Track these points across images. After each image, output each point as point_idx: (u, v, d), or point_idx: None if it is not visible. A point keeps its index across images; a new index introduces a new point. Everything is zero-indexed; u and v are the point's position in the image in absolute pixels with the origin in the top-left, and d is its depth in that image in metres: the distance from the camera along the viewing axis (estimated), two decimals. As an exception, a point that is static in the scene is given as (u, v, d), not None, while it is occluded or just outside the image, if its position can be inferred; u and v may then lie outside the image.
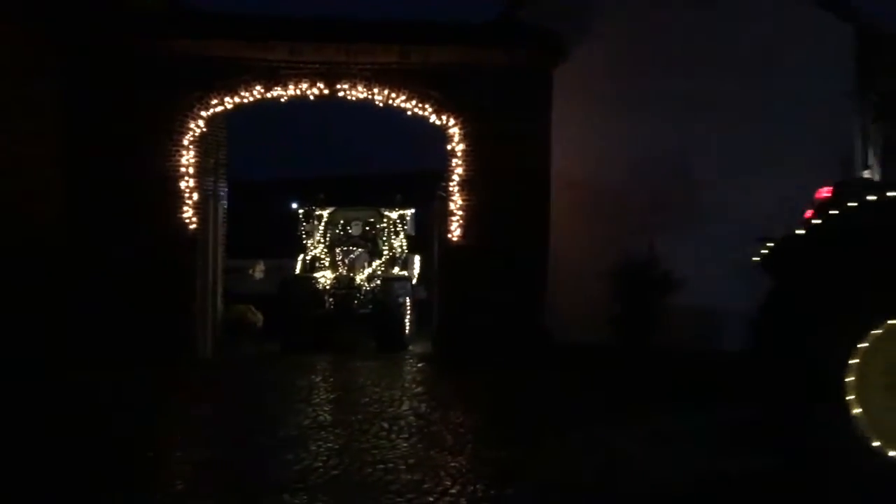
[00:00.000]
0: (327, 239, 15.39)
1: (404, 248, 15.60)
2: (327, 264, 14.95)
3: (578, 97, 12.92)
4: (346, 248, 14.90)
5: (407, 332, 13.86)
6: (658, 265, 12.39)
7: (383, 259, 15.19)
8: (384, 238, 15.52)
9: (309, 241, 15.33)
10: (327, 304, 14.22)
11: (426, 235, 14.90)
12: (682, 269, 12.30)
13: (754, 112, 12.54)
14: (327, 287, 14.34)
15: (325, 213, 15.45)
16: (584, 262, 12.62)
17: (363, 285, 14.53)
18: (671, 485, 7.06)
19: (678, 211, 12.63)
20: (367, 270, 14.75)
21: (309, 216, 15.46)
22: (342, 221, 15.74)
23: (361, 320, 14.28)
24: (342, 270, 14.61)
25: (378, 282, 14.46)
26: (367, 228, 15.79)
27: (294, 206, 16.08)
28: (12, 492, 6.72)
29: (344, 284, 14.40)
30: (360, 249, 14.98)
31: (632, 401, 10.24)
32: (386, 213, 15.58)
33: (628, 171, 12.78)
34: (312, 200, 15.54)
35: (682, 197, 12.64)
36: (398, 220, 15.62)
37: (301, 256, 15.29)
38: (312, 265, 15.12)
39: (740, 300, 12.21)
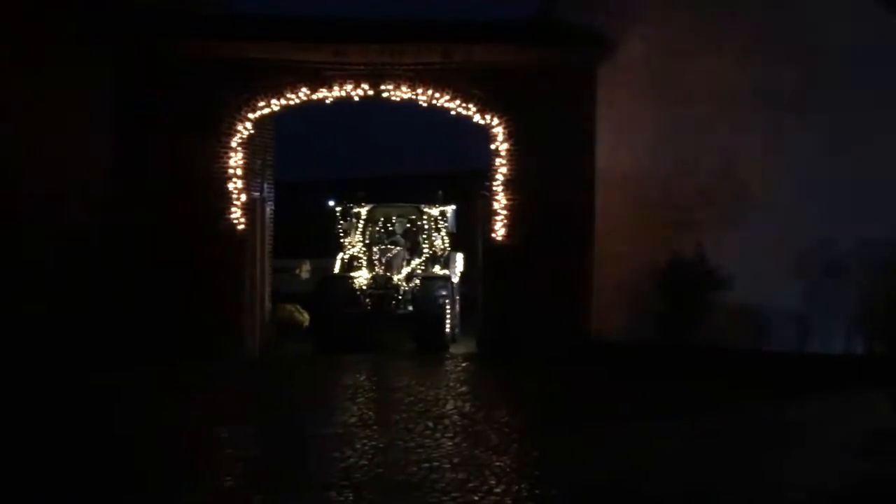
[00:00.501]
0: (366, 237, 15.14)
1: (446, 246, 15.30)
2: (365, 263, 14.67)
3: (624, 93, 12.73)
4: (383, 247, 14.57)
5: (448, 331, 13.65)
6: (705, 262, 12.27)
7: (423, 257, 14.91)
8: (424, 236, 15.25)
9: (347, 240, 15.05)
10: (364, 304, 14.00)
11: (468, 234, 14.79)
12: (729, 267, 12.17)
13: (802, 107, 12.30)
14: (364, 287, 14.11)
15: (364, 211, 15.20)
16: (630, 260, 12.52)
17: (401, 285, 14.21)
18: (713, 485, 7.00)
19: (725, 208, 12.47)
20: (406, 269, 14.48)
21: (347, 214, 15.19)
22: (381, 219, 15.50)
23: (401, 320, 14.06)
24: (379, 270, 14.28)
25: (417, 281, 14.24)
26: (408, 226, 15.55)
27: (331, 203, 15.93)
28: (74, 483, 6.89)
29: (381, 284, 14.09)
30: (398, 248, 14.63)
31: (677, 400, 10.19)
32: (426, 209, 15.26)
33: (675, 167, 12.62)
34: (350, 198, 15.37)
35: (729, 194, 12.46)
36: (439, 217, 15.32)
37: (340, 255, 15.00)
38: (351, 264, 14.86)
39: (787, 299, 12.20)
